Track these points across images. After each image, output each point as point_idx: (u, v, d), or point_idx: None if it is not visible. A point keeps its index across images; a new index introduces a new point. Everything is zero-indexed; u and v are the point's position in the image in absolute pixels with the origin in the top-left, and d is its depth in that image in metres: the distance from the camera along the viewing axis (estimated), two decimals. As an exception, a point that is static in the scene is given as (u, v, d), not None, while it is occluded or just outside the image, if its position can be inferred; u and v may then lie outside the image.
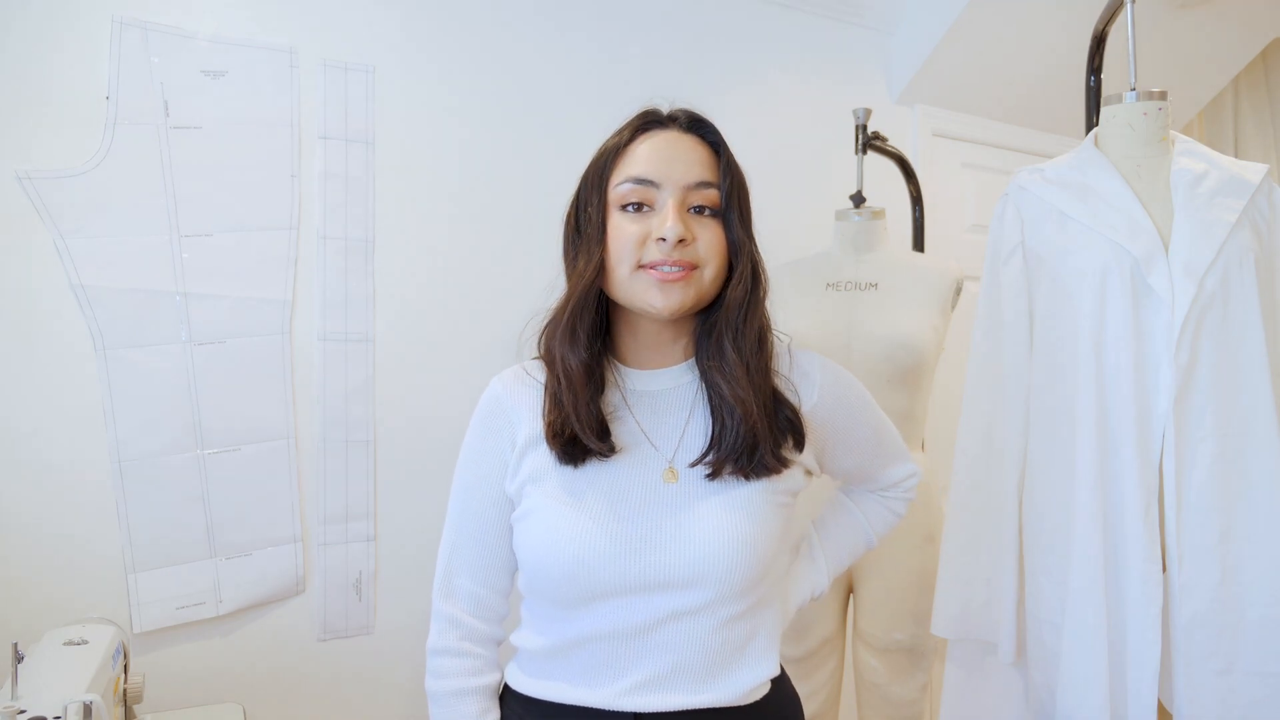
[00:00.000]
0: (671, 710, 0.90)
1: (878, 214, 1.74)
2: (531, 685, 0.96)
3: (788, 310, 1.72)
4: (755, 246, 0.97)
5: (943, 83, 2.46)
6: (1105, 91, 1.43)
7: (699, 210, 0.93)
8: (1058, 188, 1.32)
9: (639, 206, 0.92)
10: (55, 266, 1.50)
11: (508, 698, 1.00)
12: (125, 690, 1.26)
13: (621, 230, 0.92)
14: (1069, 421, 1.27)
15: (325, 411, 1.73)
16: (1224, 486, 1.19)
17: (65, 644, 1.19)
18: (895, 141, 1.94)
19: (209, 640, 1.62)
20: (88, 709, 0.99)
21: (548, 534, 0.91)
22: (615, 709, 0.90)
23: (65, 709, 0.99)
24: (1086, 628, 1.22)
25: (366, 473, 1.77)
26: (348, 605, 1.75)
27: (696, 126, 0.97)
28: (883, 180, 2.05)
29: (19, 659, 1.06)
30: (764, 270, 0.97)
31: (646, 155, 0.93)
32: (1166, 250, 1.22)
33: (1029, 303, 1.34)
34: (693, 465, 0.94)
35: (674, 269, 0.90)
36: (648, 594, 0.90)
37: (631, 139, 0.96)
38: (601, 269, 0.93)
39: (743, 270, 0.94)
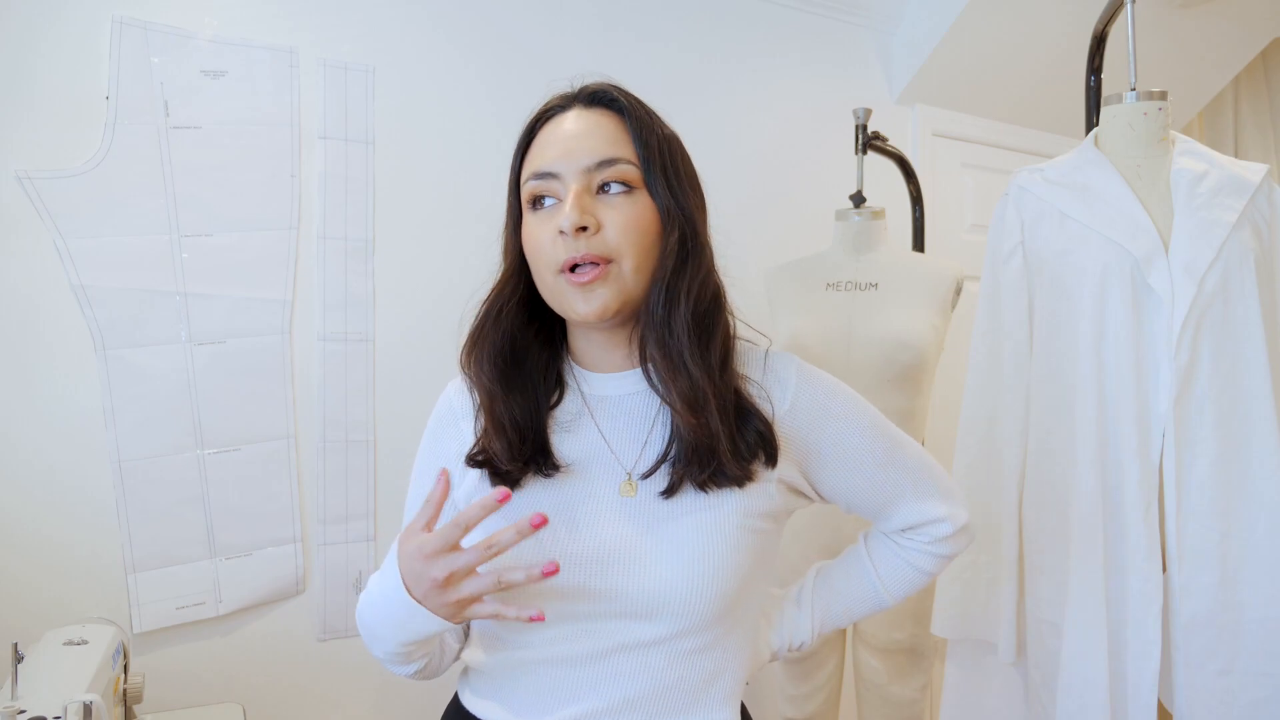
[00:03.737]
0: None
1: (878, 214, 1.74)
2: (476, 704, 0.90)
3: (787, 310, 1.72)
4: (698, 217, 0.85)
5: (943, 83, 2.46)
6: (1105, 91, 1.43)
7: (609, 188, 0.82)
8: (1058, 188, 1.32)
9: (543, 202, 0.83)
10: (55, 266, 1.50)
11: (454, 709, 0.94)
12: (125, 690, 1.26)
13: (531, 234, 0.83)
14: (1069, 421, 1.27)
15: (325, 411, 1.72)
16: (1224, 486, 1.19)
17: (65, 644, 1.19)
18: (895, 141, 1.94)
19: (209, 640, 1.62)
20: (88, 709, 0.99)
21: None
22: None
23: (65, 709, 0.98)
24: (1086, 628, 1.22)
25: (366, 473, 1.77)
26: (348, 605, 1.74)
27: (598, 99, 0.86)
28: (883, 180, 2.05)
29: (19, 659, 1.06)
30: (706, 244, 0.86)
31: (546, 144, 0.84)
32: (1166, 250, 1.22)
33: (1029, 303, 1.34)
34: (645, 477, 0.84)
35: (586, 269, 0.80)
36: (599, 620, 0.82)
37: (533, 132, 0.87)
38: (518, 280, 0.86)
39: (668, 246, 0.82)
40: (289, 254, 1.70)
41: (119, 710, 1.21)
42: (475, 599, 0.75)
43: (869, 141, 1.87)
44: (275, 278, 1.68)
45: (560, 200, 0.82)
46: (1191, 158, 1.28)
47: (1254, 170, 1.27)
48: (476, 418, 0.89)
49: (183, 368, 1.59)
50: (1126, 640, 1.21)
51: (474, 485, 0.89)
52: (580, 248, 0.79)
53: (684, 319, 0.81)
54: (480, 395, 0.87)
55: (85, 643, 1.19)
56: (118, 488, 1.53)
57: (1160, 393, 1.20)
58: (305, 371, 1.71)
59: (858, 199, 1.76)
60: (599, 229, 0.80)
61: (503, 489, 0.74)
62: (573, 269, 0.80)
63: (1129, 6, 1.34)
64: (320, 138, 1.73)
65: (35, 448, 1.49)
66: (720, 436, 0.81)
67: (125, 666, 1.27)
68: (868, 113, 1.86)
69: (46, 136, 1.50)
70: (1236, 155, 3.03)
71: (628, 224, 0.81)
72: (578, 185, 0.81)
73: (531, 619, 0.73)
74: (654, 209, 0.83)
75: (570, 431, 0.87)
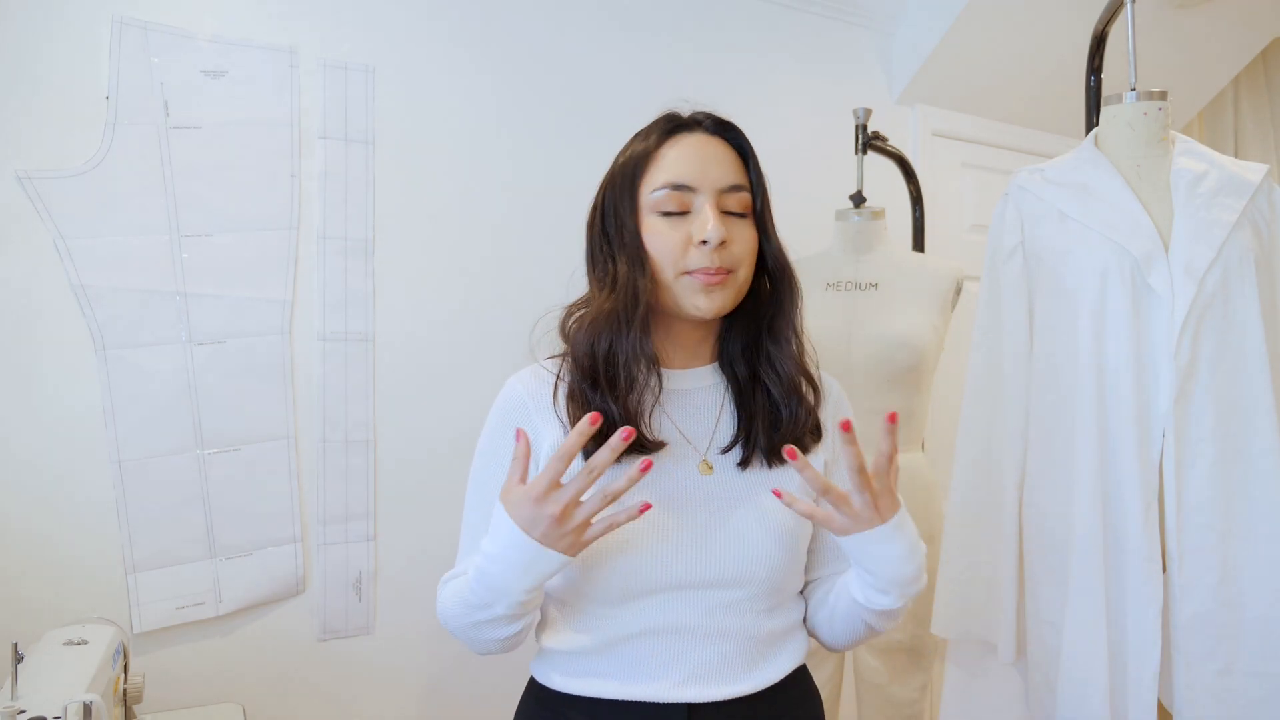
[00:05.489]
0: (723, 700, 0.93)
1: (878, 214, 1.74)
2: (574, 684, 0.95)
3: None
4: (781, 243, 1.01)
5: (943, 83, 2.46)
6: (1105, 91, 1.43)
7: (731, 213, 0.96)
8: (1058, 188, 1.32)
9: (679, 212, 0.95)
10: (55, 266, 1.50)
11: (542, 696, 0.99)
12: (125, 690, 1.26)
13: (662, 236, 0.94)
14: (1069, 421, 1.27)
15: (325, 411, 1.72)
16: (1224, 486, 1.19)
17: (65, 644, 1.19)
18: (895, 141, 1.94)
19: (209, 640, 1.62)
20: (88, 709, 0.99)
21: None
22: (670, 701, 0.92)
23: (65, 709, 0.98)
24: (1086, 628, 1.22)
25: (366, 473, 1.77)
26: (348, 605, 1.74)
27: (723, 129, 1.00)
28: (883, 180, 2.05)
29: (19, 659, 1.06)
30: (793, 267, 1.01)
31: (680, 160, 0.96)
32: (1166, 250, 1.22)
33: (1029, 303, 1.34)
34: (724, 451, 0.97)
35: (716, 273, 0.93)
36: (696, 590, 0.93)
37: (660, 144, 0.98)
38: (644, 272, 0.95)
39: (773, 268, 0.99)
40: (289, 254, 1.70)
41: (119, 710, 1.21)
42: (588, 524, 0.84)
43: (869, 141, 1.87)
44: (275, 278, 1.69)
45: (690, 211, 0.95)
46: (1191, 158, 1.28)
47: (1254, 170, 1.27)
48: (555, 405, 0.97)
49: (183, 368, 1.59)
50: (1126, 640, 1.21)
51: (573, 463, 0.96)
52: (715, 259, 0.93)
53: (791, 323, 1.01)
54: (615, 361, 0.94)
55: (85, 643, 1.19)
56: (118, 488, 1.53)
57: (1160, 393, 1.20)
58: (305, 371, 1.71)
59: (858, 199, 1.76)
60: (730, 244, 0.95)
61: (647, 458, 0.83)
62: (697, 270, 0.94)
63: (1129, 6, 1.34)
64: (320, 138, 1.73)
65: (35, 448, 1.49)
66: (798, 414, 0.99)
67: (125, 666, 1.27)
68: (868, 113, 1.86)
69: (46, 136, 1.50)
70: (1236, 155, 3.03)
71: (747, 244, 0.97)
72: (711, 202, 0.94)
73: (642, 511, 0.83)
74: (756, 232, 0.98)
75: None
